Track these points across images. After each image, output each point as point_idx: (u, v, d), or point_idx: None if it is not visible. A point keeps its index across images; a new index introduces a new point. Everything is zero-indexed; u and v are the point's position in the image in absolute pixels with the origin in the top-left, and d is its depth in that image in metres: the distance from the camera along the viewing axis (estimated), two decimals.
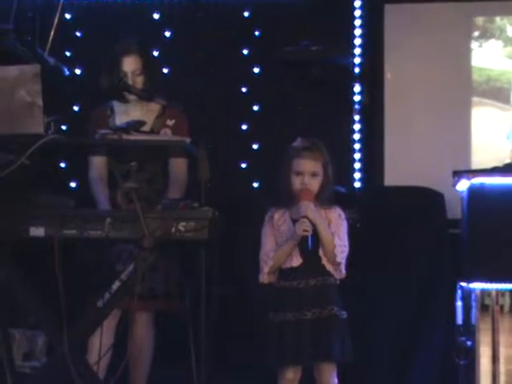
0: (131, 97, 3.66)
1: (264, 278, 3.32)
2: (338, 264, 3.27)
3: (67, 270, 2.96)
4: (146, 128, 3.49)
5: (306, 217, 3.21)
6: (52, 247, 2.92)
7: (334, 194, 3.41)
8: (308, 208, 3.23)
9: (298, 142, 3.40)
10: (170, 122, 3.68)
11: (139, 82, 3.66)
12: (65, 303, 2.92)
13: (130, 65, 3.65)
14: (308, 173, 3.31)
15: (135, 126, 3.12)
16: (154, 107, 3.69)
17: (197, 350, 3.06)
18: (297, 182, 3.31)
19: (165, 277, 3.57)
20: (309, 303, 3.23)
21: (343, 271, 3.30)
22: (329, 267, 3.29)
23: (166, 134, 3.63)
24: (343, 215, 3.36)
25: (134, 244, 3.09)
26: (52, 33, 3.74)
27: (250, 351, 3.83)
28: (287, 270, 3.29)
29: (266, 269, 3.30)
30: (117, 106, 3.73)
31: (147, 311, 3.63)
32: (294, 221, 3.28)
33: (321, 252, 3.28)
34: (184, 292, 3.34)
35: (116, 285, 3.04)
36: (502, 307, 3.56)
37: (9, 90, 2.89)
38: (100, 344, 3.08)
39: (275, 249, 3.30)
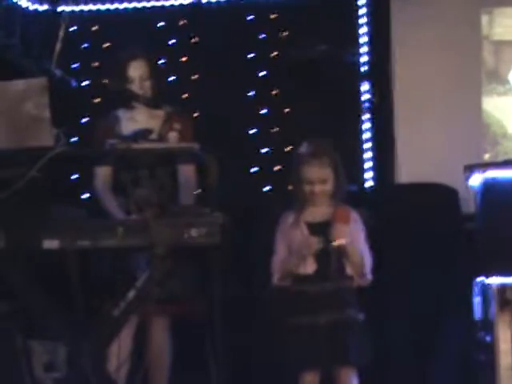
0: (137, 103, 3.68)
1: (275, 282, 3.32)
2: (367, 279, 3.28)
3: (86, 279, 2.97)
4: (153, 132, 3.50)
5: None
6: (68, 258, 2.93)
7: (346, 193, 3.40)
8: (342, 232, 3.21)
9: (304, 148, 3.36)
10: (177, 126, 3.67)
11: (147, 86, 3.65)
12: (83, 313, 2.92)
13: (136, 69, 3.64)
14: (317, 180, 3.30)
15: (143, 134, 3.13)
16: (160, 112, 3.70)
17: (214, 354, 3.06)
18: (307, 189, 3.31)
19: (182, 281, 3.56)
20: (324, 307, 3.21)
21: (369, 280, 3.30)
22: (353, 275, 3.28)
23: (173, 138, 3.64)
24: (359, 220, 3.33)
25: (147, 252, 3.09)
26: (58, 45, 3.75)
27: (267, 354, 3.83)
28: (301, 275, 3.28)
29: (276, 275, 3.31)
30: (122, 112, 3.73)
31: (164, 316, 3.63)
32: (308, 224, 3.28)
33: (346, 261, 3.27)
34: (201, 296, 3.34)
35: (131, 293, 3.04)
36: None
37: (16, 103, 2.89)
38: (118, 352, 3.09)
39: (286, 255, 3.30)
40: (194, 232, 2.88)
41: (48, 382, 3.92)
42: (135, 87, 3.64)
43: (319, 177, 3.28)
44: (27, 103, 2.88)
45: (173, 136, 3.64)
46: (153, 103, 3.63)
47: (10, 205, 2.94)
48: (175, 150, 3.25)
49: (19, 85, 2.93)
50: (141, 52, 3.68)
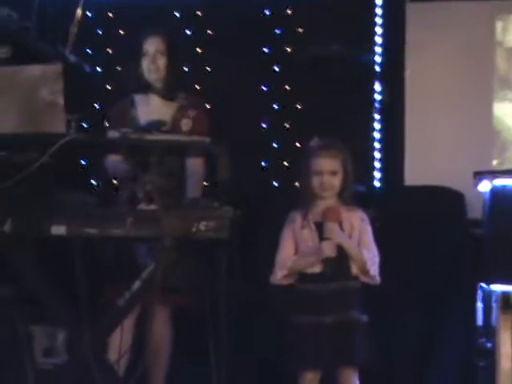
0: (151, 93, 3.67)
1: (276, 279, 3.31)
2: (373, 277, 3.27)
3: (88, 266, 2.97)
4: (167, 118, 3.49)
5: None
6: (73, 244, 2.92)
7: (354, 191, 3.41)
8: (333, 231, 3.23)
9: (314, 142, 3.40)
10: (191, 113, 3.68)
11: (161, 63, 3.65)
12: (86, 300, 2.92)
13: (152, 44, 3.65)
14: (327, 172, 3.31)
15: (157, 126, 3.13)
16: (174, 103, 3.71)
17: (216, 349, 3.06)
18: (316, 182, 3.31)
19: (186, 272, 3.56)
20: (328, 307, 3.23)
21: (377, 279, 3.29)
22: (358, 274, 3.28)
23: (186, 124, 3.62)
24: (366, 219, 3.35)
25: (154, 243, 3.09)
26: (74, 29, 3.74)
27: (270, 350, 3.83)
28: (307, 274, 3.29)
29: (280, 273, 3.30)
30: (137, 97, 3.74)
31: (166, 306, 3.62)
32: (316, 224, 3.28)
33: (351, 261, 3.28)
34: (204, 289, 3.34)
35: (137, 284, 3.04)
36: None
37: (31, 89, 2.89)
38: (120, 342, 3.09)
39: (293, 254, 3.31)
40: (202, 225, 2.88)
41: (47, 367, 3.93)
42: (148, 62, 3.63)
43: (329, 168, 3.30)
44: (42, 89, 2.88)
45: (186, 123, 3.64)
46: (166, 93, 3.63)
47: (19, 189, 2.94)
48: (186, 143, 3.24)
49: (35, 70, 2.92)
50: (159, 29, 3.70)
